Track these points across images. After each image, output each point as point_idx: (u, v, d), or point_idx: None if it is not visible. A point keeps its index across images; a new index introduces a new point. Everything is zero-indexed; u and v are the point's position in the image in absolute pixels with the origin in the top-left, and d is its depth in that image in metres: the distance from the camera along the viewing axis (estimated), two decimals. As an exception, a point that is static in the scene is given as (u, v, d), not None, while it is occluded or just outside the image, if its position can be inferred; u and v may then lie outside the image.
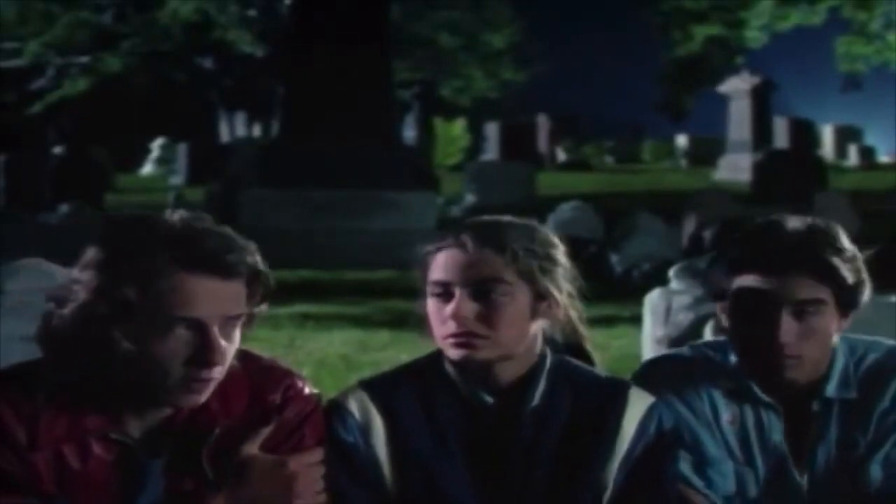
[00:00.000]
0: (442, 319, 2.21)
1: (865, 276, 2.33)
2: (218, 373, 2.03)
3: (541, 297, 2.23)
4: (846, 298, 2.31)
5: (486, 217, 2.31)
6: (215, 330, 2.00)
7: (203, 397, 2.04)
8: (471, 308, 2.19)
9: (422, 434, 2.24)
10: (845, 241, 2.32)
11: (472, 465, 2.22)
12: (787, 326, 2.27)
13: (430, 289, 2.24)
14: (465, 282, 2.19)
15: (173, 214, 2.05)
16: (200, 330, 2.00)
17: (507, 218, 2.30)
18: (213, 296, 1.99)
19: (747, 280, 2.30)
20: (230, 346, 2.04)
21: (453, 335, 2.19)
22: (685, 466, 2.32)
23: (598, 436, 2.24)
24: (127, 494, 2.05)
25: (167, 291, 1.97)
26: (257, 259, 2.05)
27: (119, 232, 2.03)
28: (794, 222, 2.32)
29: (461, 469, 2.22)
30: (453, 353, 2.21)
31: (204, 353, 2.00)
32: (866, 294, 2.34)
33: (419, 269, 2.27)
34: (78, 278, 2.00)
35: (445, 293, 2.21)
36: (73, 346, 2.01)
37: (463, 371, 2.24)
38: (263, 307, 2.09)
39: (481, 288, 2.19)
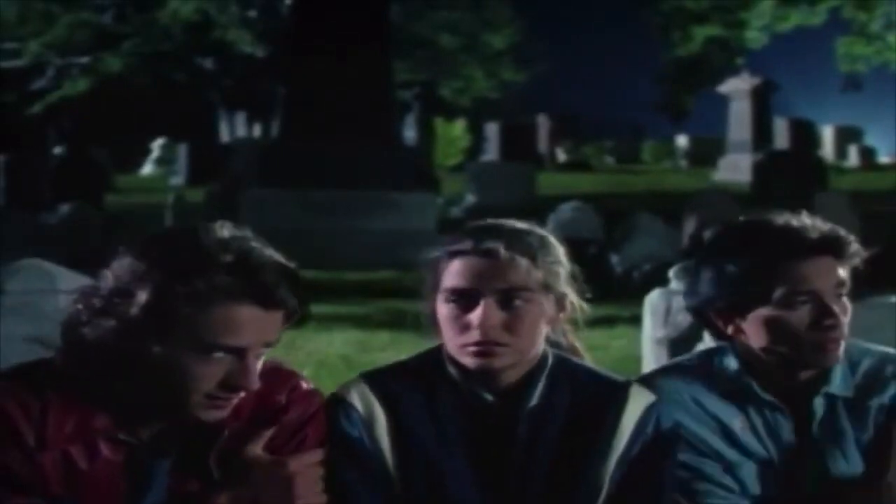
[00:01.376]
0: (461, 327, 2.18)
1: None
2: (244, 392, 2.05)
3: (557, 302, 2.23)
4: None
5: (491, 221, 2.27)
6: (253, 356, 2.01)
7: (225, 413, 2.05)
8: (498, 317, 2.16)
9: (424, 432, 2.23)
10: None
11: (474, 463, 2.22)
12: (835, 307, 2.29)
13: (444, 295, 2.20)
14: (493, 290, 2.16)
15: (222, 229, 2.02)
16: (239, 355, 2.00)
17: (512, 222, 2.26)
18: (257, 325, 2.00)
19: (804, 268, 2.29)
20: (258, 366, 2.05)
21: (476, 343, 2.16)
22: (714, 471, 2.31)
23: (596, 433, 2.24)
24: (132, 495, 2.05)
25: (217, 317, 1.96)
26: (300, 287, 2.04)
27: (172, 250, 1.99)
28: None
29: (463, 467, 2.21)
30: (471, 362, 2.18)
31: (239, 377, 2.01)
32: None
33: (427, 272, 2.24)
34: (123, 291, 1.97)
35: (464, 300, 2.17)
36: (104, 356, 1.99)
37: (466, 372, 2.22)
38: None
39: (509, 296, 2.16)
